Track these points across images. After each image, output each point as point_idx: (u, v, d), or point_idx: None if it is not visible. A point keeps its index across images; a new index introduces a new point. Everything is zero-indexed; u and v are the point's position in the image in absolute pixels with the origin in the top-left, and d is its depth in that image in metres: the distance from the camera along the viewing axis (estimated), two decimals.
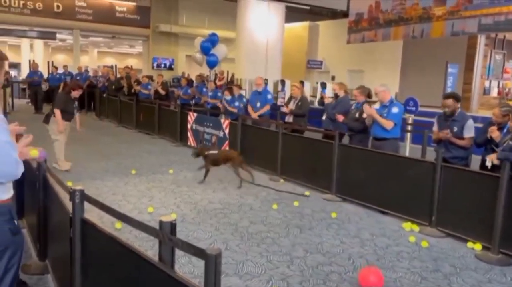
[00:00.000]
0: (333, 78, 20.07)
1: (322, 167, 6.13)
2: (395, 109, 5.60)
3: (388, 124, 5.55)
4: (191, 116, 9.31)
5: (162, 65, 21.93)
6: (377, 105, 5.85)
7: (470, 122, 5.10)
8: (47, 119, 6.77)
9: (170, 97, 12.93)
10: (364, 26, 16.21)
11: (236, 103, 8.93)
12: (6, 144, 1.98)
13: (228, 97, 9.15)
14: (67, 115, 6.74)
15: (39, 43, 24.98)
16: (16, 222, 2.14)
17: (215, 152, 6.68)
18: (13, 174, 2.05)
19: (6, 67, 2.21)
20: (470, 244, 4.38)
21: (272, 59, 15.76)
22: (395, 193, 5.18)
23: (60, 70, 16.28)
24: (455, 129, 5.09)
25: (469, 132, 5.07)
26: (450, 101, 5.19)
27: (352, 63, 19.70)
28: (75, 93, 6.80)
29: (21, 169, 2.07)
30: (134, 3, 21.01)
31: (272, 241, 4.32)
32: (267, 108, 8.35)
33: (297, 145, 6.80)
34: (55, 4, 19.13)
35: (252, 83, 15.08)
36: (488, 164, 4.63)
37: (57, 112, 6.56)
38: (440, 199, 4.69)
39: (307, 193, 6.13)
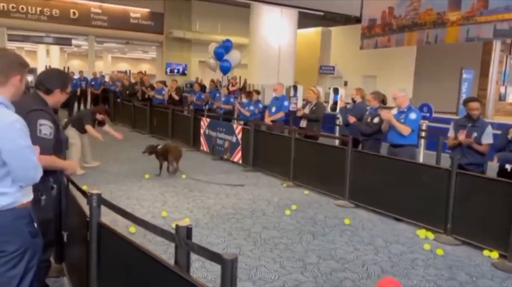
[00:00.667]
0: (345, 83, 20.02)
1: (335, 172, 6.10)
2: (412, 115, 5.55)
3: (405, 129, 5.51)
4: (204, 122, 9.36)
5: (175, 70, 22.12)
6: (394, 111, 5.81)
7: (490, 128, 5.06)
8: (65, 127, 7.08)
9: (184, 102, 13.03)
10: (377, 31, 16.15)
11: (251, 108, 8.98)
12: (26, 148, 2.03)
13: (245, 100, 9.22)
14: (83, 128, 7.20)
15: (55, 49, 25.43)
16: (35, 225, 2.18)
17: (160, 146, 7.23)
18: (32, 178, 2.10)
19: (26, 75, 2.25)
20: (486, 252, 4.31)
21: (284, 65, 15.78)
22: (409, 199, 5.13)
23: (76, 76, 16.52)
24: (475, 134, 5.04)
25: (488, 138, 5.02)
26: (477, 104, 5.14)
27: (365, 69, 19.63)
28: (99, 117, 7.33)
29: (40, 173, 2.12)
30: (148, 10, 21.28)
31: (285, 247, 4.32)
32: (280, 114, 8.34)
33: (309, 150, 6.79)
34: (71, 10, 19.48)
35: (265, 89, 15.17)
36: (508, 167, 4.58)
37: (89, 127, 7.11)
38: (455, 206, 4.63)
39: (243, 184, 6.74)
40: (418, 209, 5.04)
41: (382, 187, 5.47)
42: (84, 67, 22.62)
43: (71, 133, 7.05)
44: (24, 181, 2.08)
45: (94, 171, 7.20)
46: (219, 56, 10.21)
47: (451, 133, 5.36)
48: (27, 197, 2.16)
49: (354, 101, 7.33)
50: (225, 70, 10.43)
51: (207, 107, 11.68)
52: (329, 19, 20.02)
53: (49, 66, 19.03)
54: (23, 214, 2.11)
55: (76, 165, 2.53)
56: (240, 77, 18.87)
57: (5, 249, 2.05)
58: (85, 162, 7.42)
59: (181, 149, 7.37)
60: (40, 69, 22.65)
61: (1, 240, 2.04)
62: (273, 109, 8.39)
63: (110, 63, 32.82)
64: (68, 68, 18.90)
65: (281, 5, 14.27)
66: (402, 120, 5.58)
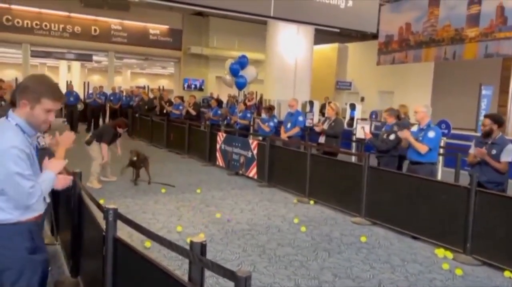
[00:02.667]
0: (362, 99, 19.96)
1: (351, 189, 6.04)
2: (431, 134, 5.50)
3: (423, 148, 5.45)
4: (220, 137, 9.41)
5: (193, 86, 22.40)
6: (414, 128, 5.77)
7: (510, 146, 4.95)
8: (90, 142, 7.20)
9: (201, 117, 13.15)
10: (394, 47, 16.13)
11: (271, 124, 9.01)
12: (16, 175, 2.01)
13: (265, 116, 9.28)
14: (109, 143, 7.33)
15: (76, 65, 26.00)
16: (36, 241, 2.16)
17: (135, 158, 7.44)
18: (26, 204, 2.09)
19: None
20: (507, 273, 4.20)
21: (300, 80, 15.83)
22: (427, 217, 5.04)
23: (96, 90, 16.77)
24: (494, 152, 4.95)
25: (507, 156, 4.91)
26: (486, 121, 5.10)
27: (382, 85, 19.55)
28: (120, 130, 7.46)
29: (34, 199, 2.09)
30: (167, 26, 21.71)
31: (300, 264, 4.27)
32: (295, 130, 8.33)
33: (325, 166, 6.75)
34: (93, 27, 20.01)
35: (281, 104, 15.22)
36: None
37: (104, 145, 7.18)
38: (475, 225, 4.53)
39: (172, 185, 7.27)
40: (436, 227, 4.94)
41: (399, 205, 5.40)
42: (103, 82, 23.08)
43: (95, 148, 7.17)
44: (18, 205, 2.09)
45: (111, 185, 7.28)
46: (234, 72, 10.29)
47: (472, 150, 5.28)
48: (27, 215, 2.14)
49: (398, 118, 7.33)
50: (240, 86, 10.50)
51: (225, 122, 11.73)
52: (345, 35, 20.08)
53: (70, 81, 19.46)
54: (20, 231, 2.10)
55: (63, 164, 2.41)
56: (256, 92, 18.98)
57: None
58: (104, 175, 7.49)
59: (147, 157, 7.63)
60: (62, 84, 23.22)
61: None
62: (289, 125, 8.40)
63: (129, 78, 33.36)
64: (88, 83, 19.27)
65: (297, 22, 14.39)
66: (420, 138, 5.53)
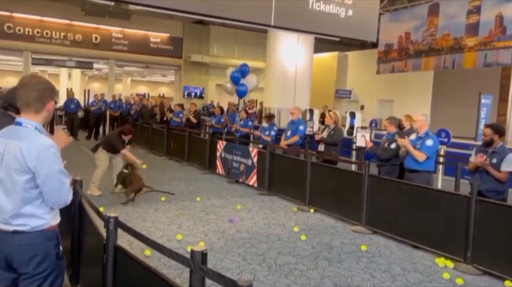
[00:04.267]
0: (362, 107, 20.01)
1: (351, 197, 6.04)
2: (429, 142, 5.52)
3: (420, 156, 5.47)
4: (220, 145, 9.42)
5: (193, 93, 22.47)
6: (413, 136, 5.79)
7: (510, 156, 4.95)
8: (95, 149, 7.17)
9: (201, 125, 13.17)
10: (393, 56, 16.21)
11: (272, 133, 8.99)
12: (60, 172, 2.08)
13: (266, 124, 9.26)
14: (113, 150, 7.22)
15: (76, 72, 26.09)
16: (60, 247, 2.20)
17: (127, 171, 6.95)
18: (65, 201, 2.15)
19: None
20: (508, 283, 4.18)
21: (300, 89, 15.87)
22: (427, 226, 5.03)
23: (97, 98, 16.81)
24: (494, 161, 4.96)
25: (507, 166, 4.91)
26: (487, 130, 5.12)
27: (381, 93, 19.61)
28: (125, 137, 7.27)
29: (71, 196, 2.17)
30: (167, 34, 21.82)
31: (300, 273, 4.26)
32: (294, 139, 8.32)
33: (326, 175, 6.75)
34: (94, 35, 20.11)
35: (281, 112, 15.25)
36: None
37: (125, 152, 7.14)
38: (475, 234, 4.52)
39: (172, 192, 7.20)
40: (436, 236, 4.93)
41: (400, 213, 5.39)
42: (104, 89, 23.13)
43: (100, 155, 7.15)
44: (57, 204, 2.13)
45: (111, 192, 7.26)
46: (235, 80, 10.35)
47: (472, 158, 5.29)
48: (56, 219, 2.19)
49: (399, 127, 7.35)
50: (241, 94, 10.56)
51: (225, 130, 11.75)
52: (345, 43, 20.19)
53: (71, 89, 19.49)
54: (51, 236, 2.14)
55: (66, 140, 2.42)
56: (256, 100, 19.04)
57: (30, 270, 2.07)
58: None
59: (143, 184, 6.95)
60: (62, 92, 23.28)
61: (29, 261, 2.06)
62: (288, 133, 8.40)
63: (129, 86, 33.45)
64: (89, 90, 19.33)
65: (298, 31, 14.46)
66: (418, 146, 5.55)
